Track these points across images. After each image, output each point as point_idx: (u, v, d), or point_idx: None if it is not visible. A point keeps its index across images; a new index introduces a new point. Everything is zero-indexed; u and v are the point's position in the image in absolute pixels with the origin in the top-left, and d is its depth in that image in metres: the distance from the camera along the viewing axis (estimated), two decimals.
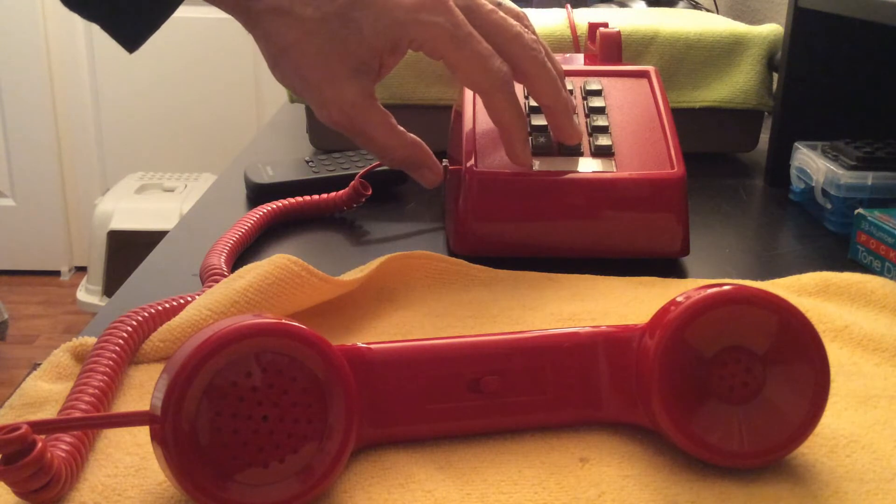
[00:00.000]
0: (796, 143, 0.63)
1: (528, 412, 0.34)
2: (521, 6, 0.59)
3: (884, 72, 0.67)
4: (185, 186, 2.13)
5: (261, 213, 0.55)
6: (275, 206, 0.57)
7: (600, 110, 0.54)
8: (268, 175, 0.63)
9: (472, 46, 0.46)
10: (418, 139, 0.50)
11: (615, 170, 0.51)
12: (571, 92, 0.56)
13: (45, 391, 0.36)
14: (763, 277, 0.49)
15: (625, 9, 0.94)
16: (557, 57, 0.65)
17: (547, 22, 0.73)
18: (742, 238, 0.58)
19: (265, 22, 0.46)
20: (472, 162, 0.51)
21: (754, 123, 0.75)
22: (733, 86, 0.72)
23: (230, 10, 0.47)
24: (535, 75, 0.48)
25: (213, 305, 0.40)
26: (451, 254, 0.52)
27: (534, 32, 0.51)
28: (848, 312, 0.44)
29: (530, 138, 0.53)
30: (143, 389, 0.37)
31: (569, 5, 0.79)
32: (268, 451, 0.29)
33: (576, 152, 0.52)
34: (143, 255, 0.52)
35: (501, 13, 0.48)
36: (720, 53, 0.72)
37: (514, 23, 0.48)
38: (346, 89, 0.46)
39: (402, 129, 0.49)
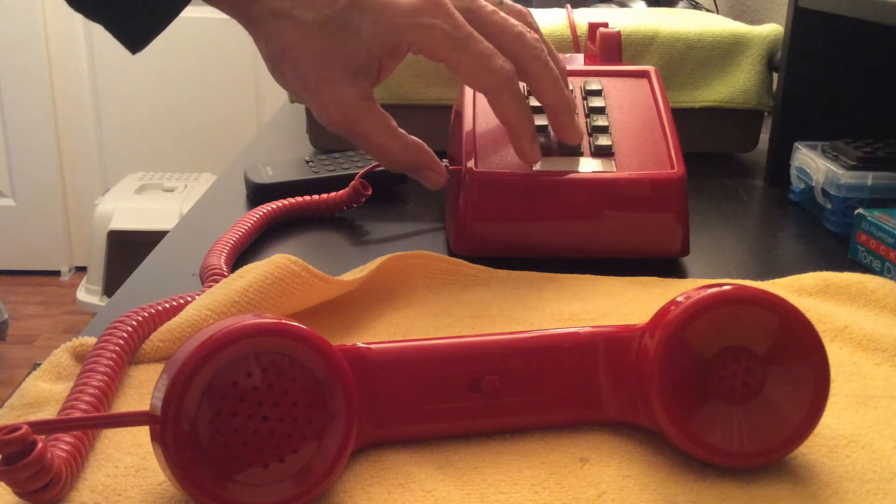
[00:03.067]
0: (796, 143, 0.63)
1: (528, 412, 0.34)
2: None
3: (884, 72, 0.67)
4: (185, 186, 2.13)
5: (261, 213, 0.55)
6: (275, 206, 0.57)
7: (600, 110, 0.54)
8: (268, 175, 0.63)
9: (472, 47, 0.46)
10: (420, 141, 0.50)
11: (615, 170, 0.51)
12: (571, 92, 0.56)
13: (45, 391, 0.36)
14: (763, 277, 0.49)
15: (625, 9, 0.94)
16: None
17: (547, 22, 0.73)
18: (742, 238, 0.58)
19: (265, 24, 0.46)
20: (472, 162, 0.51)
21: (754, 123, 0.75)
22: (733, 86, 0.72)
23: (230, 11, 0.47)
24: (537, 74, 0.48)
25: (213, 305, 0.40)
26: (451, 254, 0.52)
27: (537, 30, 0.51)
28: (848, 312, 0.44)
29: None
30: (143, 389, 0.37)
31: (569, 5, 0.78)
32: (268, 451, 0.29)
33: (576, 152, 0.52)
34: (143, 255, 0.52)
35: (503, 13, 0.48)
36: (720, 53, 0.72)
37: (516, 22, 0.48)
38: (344, 92, 0.46)
39: (402, 131, 0.49)
